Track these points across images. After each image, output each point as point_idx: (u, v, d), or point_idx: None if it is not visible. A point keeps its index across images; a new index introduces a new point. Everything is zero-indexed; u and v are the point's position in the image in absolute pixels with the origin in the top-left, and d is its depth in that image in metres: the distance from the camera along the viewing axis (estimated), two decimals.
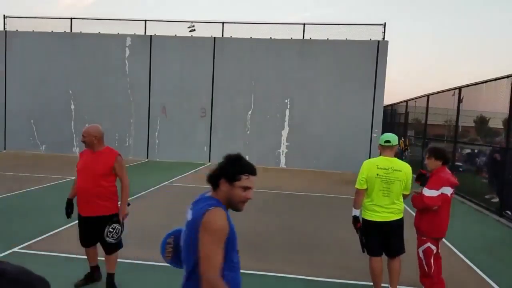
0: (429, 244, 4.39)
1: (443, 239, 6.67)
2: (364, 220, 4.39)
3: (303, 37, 15.76)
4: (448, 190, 4.31)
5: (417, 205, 4.39)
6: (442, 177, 4.31)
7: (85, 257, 4.61)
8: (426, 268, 4.41)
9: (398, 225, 4.37)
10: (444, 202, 4.31)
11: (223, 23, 16.19)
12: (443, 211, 4.36)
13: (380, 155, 4.47)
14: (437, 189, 4.25)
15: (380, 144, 4.44)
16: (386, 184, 4.23)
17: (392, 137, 4.41)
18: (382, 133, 15.21)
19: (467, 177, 12.65)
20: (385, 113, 19.33)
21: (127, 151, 16.45)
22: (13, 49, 16.89)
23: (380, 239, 4.35)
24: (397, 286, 4.50)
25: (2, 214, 7.35)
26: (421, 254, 4.43)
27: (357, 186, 4.37)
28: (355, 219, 4.43)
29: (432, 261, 4.39)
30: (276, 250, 5.99)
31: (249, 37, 15.85)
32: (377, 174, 4.26)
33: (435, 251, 4.41)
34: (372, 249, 4.40)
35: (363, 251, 4.45)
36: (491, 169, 10.72)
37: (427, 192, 4.26)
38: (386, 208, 4.28)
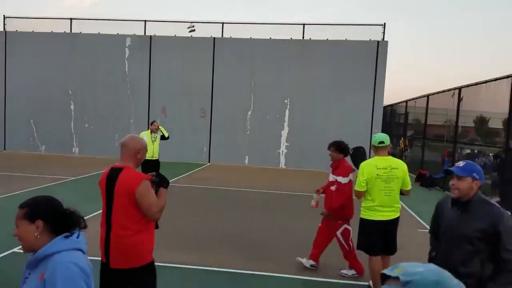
0: (345, 226, 4.98)
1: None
2: (366, 220, 4.40)
3: (303, 37, 15.76)
4: (352, 177, 4.95)
5: (340, 201, 4.84)
6: (348, 166, 5.00)
7: None
8: (346, 247, 4.98)
9: (396, 223, 4.44)
10: (351, 187, 4.93)
11: (222, 23, 16.19)
12: (351, 195, 4.92)
13: (374, 155, 4.51)
14: (347, 176, 4.90)
15: (373, 146, 4.50)
16: (387, 183, 4.29)
17: (385, 138, 4.50)
18: (380, 133, 15.18)
19: None
20: (385, 113, 19.34)
21: None
22: (13, 49, 16.89)
23: (381, 238, 4.38)
24: None
25: (2, 214, 7.35)
26: (340, 236, 4.98)
27: (357, 188, 4.38)
28: None
29: (350, 239, 4.97)
30: (276, 250, 5.99)
31: (249, 37, 15.85)
32: (377, 175, 4.29)
33: (351, 230, 4.96)
34: (373, 249, 4.41)
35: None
36: (499, 170, 10.64)
37: (342, 179, 4.87)
38: (388, 207, 4.35)
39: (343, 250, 5.04)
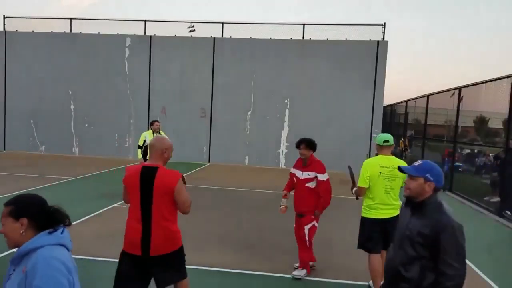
0: (314, 222, 4.99)
1: None
2: (368, 219, 4.45)
3: (303, 37, 15.76)
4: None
5: (330, 198, 4.94)
6: (320, 162, 5.01)
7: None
8: (307, 244, 4.93)
9: (396, 221, 4.49)
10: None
11: (222, 23, 16.19)
12: None
13: (377, 154, 4.57)
14: (326, 172, 4.96)
15: (378, 144, 4.57)
16: (389, 182, 4.39)
17: (390, 137, 4.58)
18: (382, 133, 15.18)
19: (467, 177, 12.63)
20: (385, 113, 19.35)
21: (127, 151, 16.46)
22: (13, 49, 16.89)
23: (382, 236, 4.42)
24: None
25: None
26: (306, 231, 4.92)
27: (361, 184, 4.44)
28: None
29: (312, 238, 4.98)
30: (276, 250, 5.99)
31: (249, 37, 15.85)
32: (380, 173, 4.39)
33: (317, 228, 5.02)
34: (374, 247, 4.45)
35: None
36: (500, 170, 10.66)
37: (323, 176, 4.90)
38: (388, 205, 4.41)
39: (303, 247, 4.98)
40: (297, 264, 5.26)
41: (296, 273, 4.95)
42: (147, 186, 3.19)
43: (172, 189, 3.20)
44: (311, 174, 4.94)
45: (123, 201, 3.54)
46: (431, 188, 2.53)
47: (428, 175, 2.52)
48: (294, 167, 5.18)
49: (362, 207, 4.55)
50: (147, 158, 8.98)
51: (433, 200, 2.52)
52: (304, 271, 4.96)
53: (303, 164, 5.05)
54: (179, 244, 3.38)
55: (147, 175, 3.22)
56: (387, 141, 4.50)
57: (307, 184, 4.97)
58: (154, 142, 3.36)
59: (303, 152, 5.00)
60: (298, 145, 5.05)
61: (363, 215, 4.52)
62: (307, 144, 5.00)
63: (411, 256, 2.50)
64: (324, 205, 4.93)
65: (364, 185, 4.41)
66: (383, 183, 4.36)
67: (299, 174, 5.04)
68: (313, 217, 4.97)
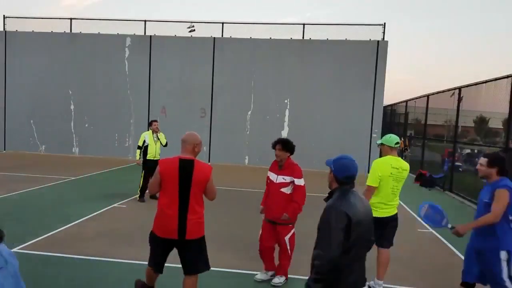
0: (293, 230, 4.77)
1: (445, 241, 6.73)
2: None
3: (303, 37, 15.76)
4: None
5: (303, 202, 4.67)
6: (297, 165, 4.73)
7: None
8: (289, 253, 4.75)
9: (396, 218, 4.63)
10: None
11: (222, 23, 16.19)
12: None
13: (385, 155, 4.64)
14: (302, 177, 4.70)
15: (388, 146, 4.58)
16: (396, 183, 4.52)
17: (398, 139, 4.69)
18: (382, 133, 15.21)
19: (467, 177, 12.62)
20: (385, 113, 19.35)
21: (127, 151, 16.46)
22: (13, 49, 16.89)
23: (379, 232, 4.49)
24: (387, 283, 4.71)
25: (2, 214, 7.35)
26: (287, 241, 4.71)
27: (371, 183, 4.47)
28: None
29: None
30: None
31: (249, 37, 15.85)
32: (391, 173, 4.46)
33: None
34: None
35: None
36: None
37: (300, 181, 4.64)
38: (390, 205, 4.51)
39: (285, 257, 4.74)
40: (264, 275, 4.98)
41: (276, 280, 4.74)
42: (186, 177, 3.59)
43: (207, 180, 3.68)
44: (287, 179, 4.63)
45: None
46: (331, 178, 2.70)
47: (331, 166, 2.70)
48: (270, 170, 4.85)
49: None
50: (147, 158, 9.08)
51: (338, 190, 2.64)
52: (283, 278, 4.77)
53: (278, 167, 4.74)
54: (204, 229, 3.78)
55: (186, 167, 3.61)
56: (397, 142, 4.60)
57: (281, 189, 4.64)
58: (187, 138, 3.73)
59: (278, 154, 4.67)
60: (273, 146, 4.73)
61: None
62: (283, 145, 4.67)
63: (315, 244, 2.60)
64: (296, 211, 4.61)
65: (375, 184, 4.43)
66: (391, 184, 4.44)
67: (274, 177, 4.73)
68: (290, 225, 4.69)
